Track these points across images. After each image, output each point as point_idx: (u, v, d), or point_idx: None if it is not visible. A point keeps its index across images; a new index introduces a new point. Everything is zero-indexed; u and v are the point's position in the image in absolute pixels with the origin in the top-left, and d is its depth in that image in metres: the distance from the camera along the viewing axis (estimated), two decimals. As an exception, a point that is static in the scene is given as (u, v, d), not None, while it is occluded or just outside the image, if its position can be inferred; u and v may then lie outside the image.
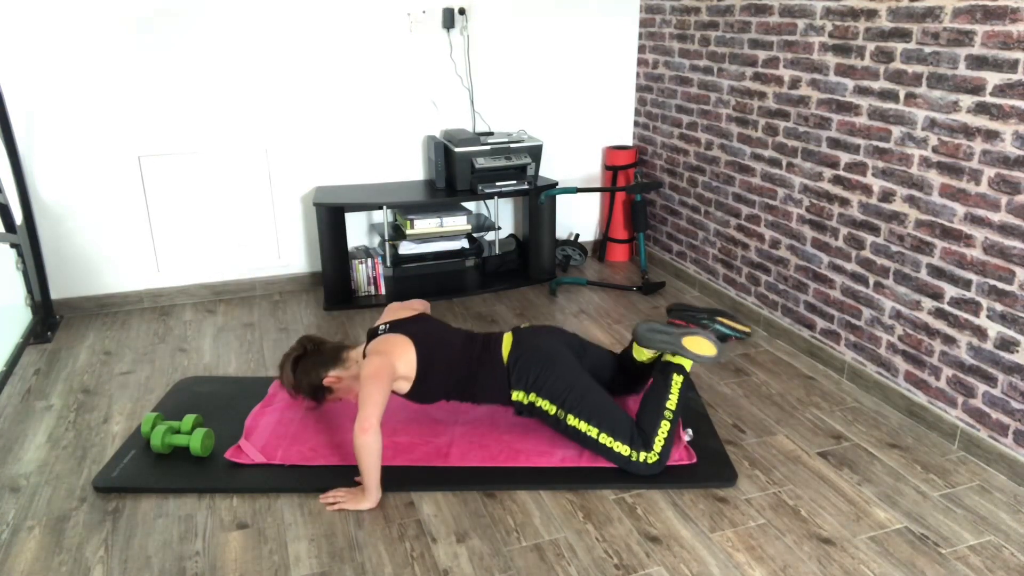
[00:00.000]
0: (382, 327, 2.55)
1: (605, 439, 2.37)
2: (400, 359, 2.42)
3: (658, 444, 2.36)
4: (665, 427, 2.37)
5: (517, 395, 2.46)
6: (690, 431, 2.57)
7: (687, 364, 2.45)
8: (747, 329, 2.61)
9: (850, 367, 3.02)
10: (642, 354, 2.59)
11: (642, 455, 2.36)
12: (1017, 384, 2.38)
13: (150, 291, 3.82)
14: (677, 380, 2.42)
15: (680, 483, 2.36)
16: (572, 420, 2.40)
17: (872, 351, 2.92)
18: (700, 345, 2.45)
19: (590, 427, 2.38)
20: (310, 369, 2.50)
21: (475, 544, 2.13)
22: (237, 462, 2.45)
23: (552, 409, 2.42)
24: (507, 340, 2.52)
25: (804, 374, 3.09)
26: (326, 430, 2.62)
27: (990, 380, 2.47)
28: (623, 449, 2.36)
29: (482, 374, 2.49)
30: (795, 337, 3.29)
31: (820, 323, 3.17)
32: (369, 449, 2.23)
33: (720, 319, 2.60)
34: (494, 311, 3.72)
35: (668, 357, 2.49)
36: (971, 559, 2.07)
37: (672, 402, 2.39)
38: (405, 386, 2.46)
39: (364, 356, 2.46)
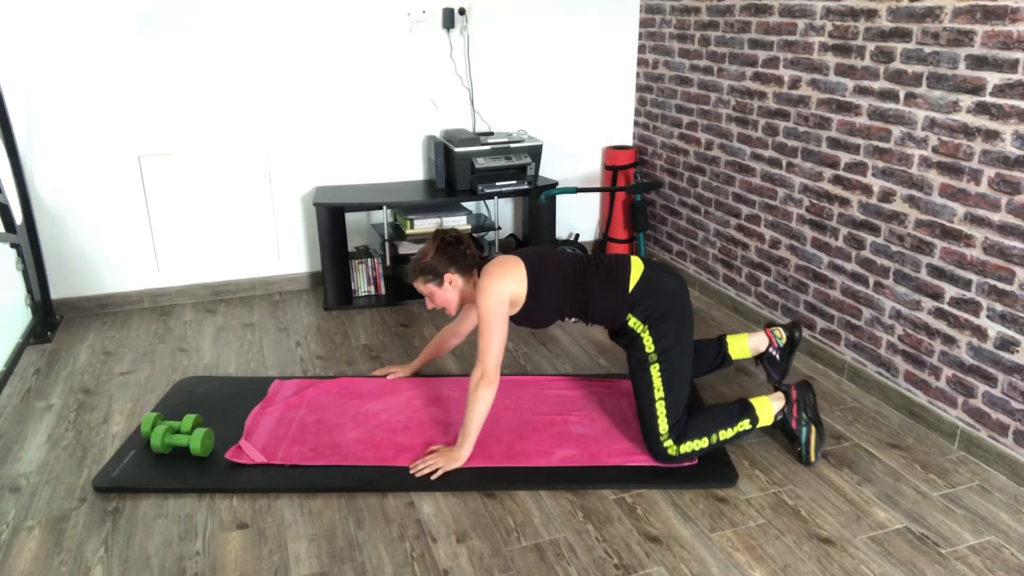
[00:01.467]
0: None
1: (660, 407, 2.42)
2: (511, 279, 2.45)
3: (686, 448, 2.41)
4: (703, 443, 2.43)
5: (634, 322, 2.46)
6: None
7: (764, 422, 2.51)
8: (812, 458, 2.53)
9: (850, 367, 3.02)
10: (741, 352, 2.75)
11: (670, 443, 2.40)
12: (1017, 384, 2.38)
13: (150, 291, 3.82)
14: (744, 424, 2.49)
15: (680, 483, 2.37)
16: (655, 371, 2.42)
17: (872, 351, 2.92)
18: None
19: (660, 388, 2.42)
20: (446, 257, 2.53)
21: (475, 544, 2.13)
22: (237, 462, 2.45)
23: (650, 348, 2.44)
24: (636, 268, 2.52)
25: (804, 374, 3.09)
26: (326, 430, 2.62)
27: (990, 380, 2.47)
28: (663, 425, 2.41)
29: (601, 294, 2.50)
30: (795, 337, 3.29)
31: (820, 323, 3.17)
32: (487, 402, 2.38)
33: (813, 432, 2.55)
34: (494, 311, 3.72)
35: (755, 401, 2.53)
36: (971, 559, 2.07)
37: (726, 435, 2.46)
38: (515, 308, 2.50)
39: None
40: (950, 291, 2.57)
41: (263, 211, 3.86)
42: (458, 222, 3.84)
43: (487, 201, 4.10)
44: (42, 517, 2.25)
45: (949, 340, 2.60)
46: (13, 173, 3.38)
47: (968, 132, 2.44)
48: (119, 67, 3.47)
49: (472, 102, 4.04)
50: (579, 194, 4.40)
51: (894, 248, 2.77)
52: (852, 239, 2.95)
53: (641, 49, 4.23)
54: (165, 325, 3.61)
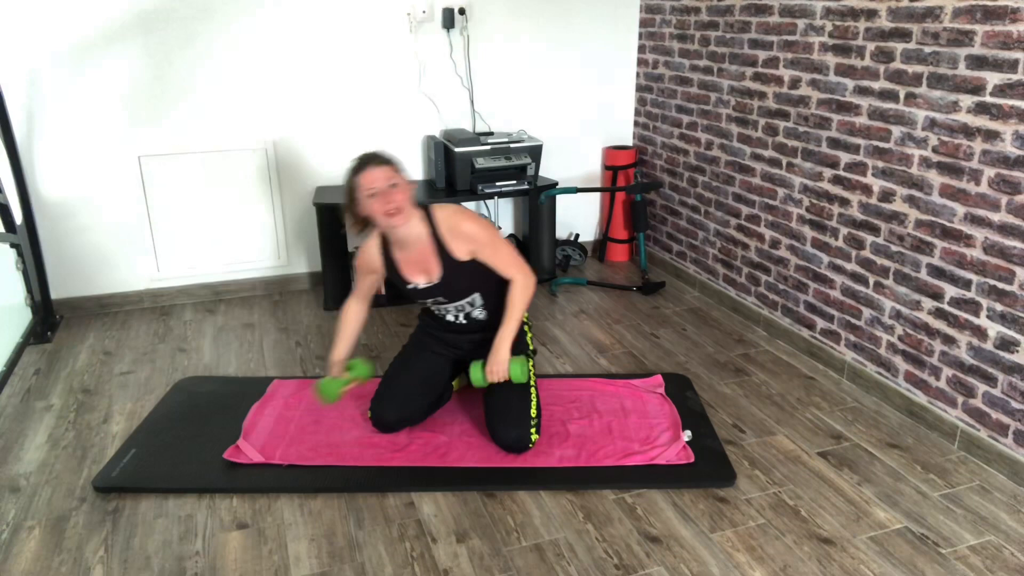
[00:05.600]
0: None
1: (534, 393, 2.55)
2: None
3: (535, 437, 2.56)
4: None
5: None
6: (688, 432, 2.57)
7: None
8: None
9: (850, 367, 3.02)
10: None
11: (534, 430, 2.51)
12: (1017, 384, 2.38)
13: (150, 291, 3.82)
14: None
15: (680, 483, 2.37)
16: (531, 364, 2.57)
17: (872, 351, 2.92)
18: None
19: (533, 378, 2.58)
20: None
21: (475, 544, 2.13)
22: (235, 462, 2.45)
23: (531, 344, 2.69)
24: None
25: (804, 374, 3.09)
26: (324, 430, 2.62)
27: (990, 380, 2.47)
28: (534, 410, 2.52)
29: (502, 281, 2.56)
30: (795, 337, 3.29)
31: (820, 323, 3.17)
32: (532, 291, 2.50)
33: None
34: (494, 311, 3.72)
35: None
36: (971, 559, 2.07)
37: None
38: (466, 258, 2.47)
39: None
40: (950, 291, 2.57)
41: (263, 211, 3.86)
42: (458, 222, 3.83)
43: (487, 201, 4.10)
44: (42, 517, 2.25)
45: (949, 340, 2.60)
46: (13, 173, 3.38)
47: (968, 132, 2.44)
48: (119, 67, 3.47)
49: (472, 102, 4.04)
50: (579, 194, 4.40)
51: (894, 248, 2.77)
52: (852, 239, 2.95)
53: (641, 49, 4.23)
54: (165, 325, 3.61)
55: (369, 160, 2.33)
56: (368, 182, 2.29)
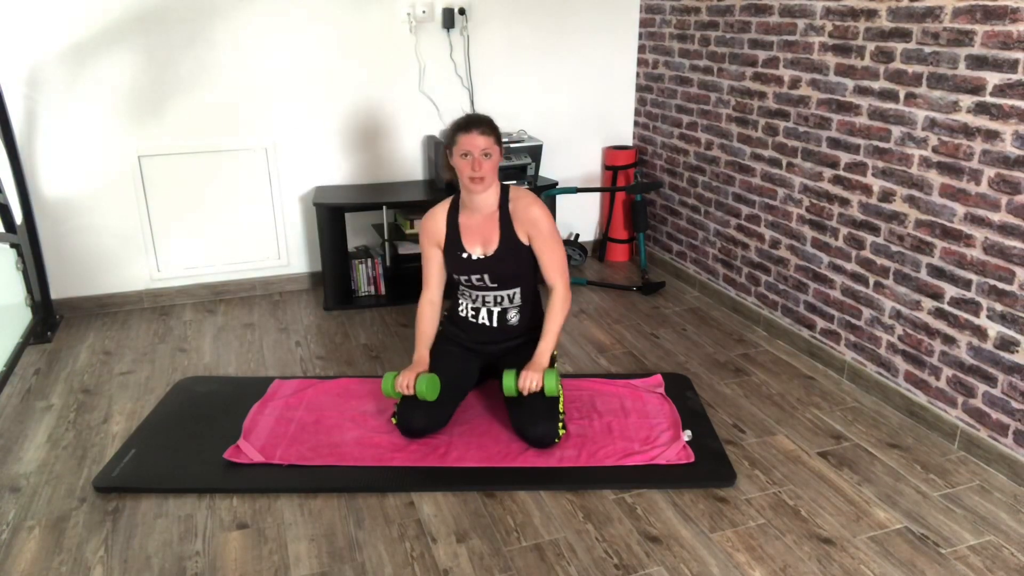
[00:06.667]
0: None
1: (562, 393, 2.56)
2: None
3: (562, 431, 2.59)
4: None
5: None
6: (689, 432, 2.57)
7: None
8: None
9: (850, 367, 3.02)
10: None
11: (560, 423, 2.53)
12: (1017, 384, 2.38)
13: (150, 291, 3.82)
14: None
15: (680, 483, 2.37)
16: (561, 399, 2.55)
17: (872, 351, 2.92)
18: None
19: (562, 400, 2.55)
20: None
21: (475, 544, 2.13)
22: (236, 462, 2.45)
23: (556, 350, 2.63)
24: None
25: (804, 374, 3.09)
26: (324, 430, 2.62)
27: (990, 380, 2.47)
28: (561, 406, 2.54)
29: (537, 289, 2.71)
30: (795, 337, 3.29)
31: (820, 323, 3.17)
32: (569, 306, 2.59)
33: None
34: (494, 311, 3.72)
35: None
36: (971, 559, 2.07)
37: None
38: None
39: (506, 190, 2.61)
40: (950, 291, 2.57)
41: (263, 211, 3.86)
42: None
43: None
44: (42, 517, 2.25)
45: (949, 340, 2.60)
46: (13, 173, 3.38)
47: (968, 132, 2.44)
48: (119, 67, 3.47)
49: (472, 102, 4.04)
50: (579, 194, 4.40)
51: (894, 248, 2.77)
52: (852, 239, 2.95)
53: (641, 49, 4.23)
54: (165, 325, 3.61)
55: (475, 124, 2.47)
56: (466, 143, 2.45)
